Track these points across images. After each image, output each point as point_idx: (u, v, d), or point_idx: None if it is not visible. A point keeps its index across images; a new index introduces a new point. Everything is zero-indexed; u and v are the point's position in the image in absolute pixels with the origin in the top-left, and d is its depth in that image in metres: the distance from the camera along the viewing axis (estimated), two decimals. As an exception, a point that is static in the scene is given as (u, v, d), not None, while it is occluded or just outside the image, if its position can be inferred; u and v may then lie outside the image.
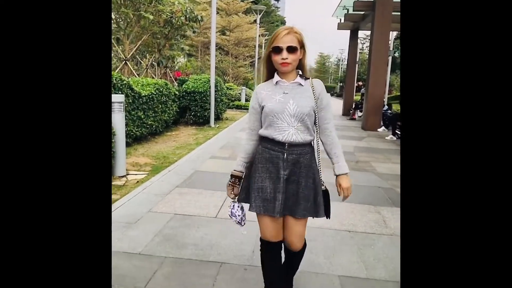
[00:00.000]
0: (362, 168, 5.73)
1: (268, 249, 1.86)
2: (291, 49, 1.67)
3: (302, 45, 1.73)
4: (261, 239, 1.88)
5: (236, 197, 1.91)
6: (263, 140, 1.80)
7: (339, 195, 1.88)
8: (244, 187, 1.88)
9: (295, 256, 1.93)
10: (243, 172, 1.89)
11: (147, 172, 4.99)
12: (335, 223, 3.34)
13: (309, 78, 1.80)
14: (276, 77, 1.77)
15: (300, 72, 1.80)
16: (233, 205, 1.93)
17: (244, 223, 1.93)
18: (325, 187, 1.84)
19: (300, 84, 1.76)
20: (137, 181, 4.53)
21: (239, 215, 1.91)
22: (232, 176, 1.90)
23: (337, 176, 1.86)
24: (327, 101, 1.81)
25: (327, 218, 1.86)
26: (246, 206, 1.86)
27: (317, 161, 1.82)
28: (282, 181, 1.73)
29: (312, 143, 1.82)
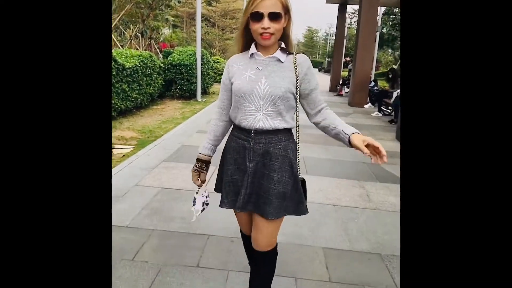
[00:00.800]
0: (348, 143, 5.81)
1: (244, 238, 1.82)
2: (274, 16, 1.34)
3: (287, 11, 1.40)
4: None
5: (203, 185, 1.67)
6: (233, 127, 1.58)
7: (372, 159, 1.32)
8: (218, 179, 1.67)
9: (262, 260, 1.60)
10: (210, 156, 1.65)
11: (133, 146, 4.95)
12: (320, 197, 3.41)
13: (292, 53, 1.48)
14: (252, 48, 1.47)
15: (283, 45, 1.48)
16: (200, 193, 1.69)
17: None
18: (302, 177, 1.57)
19: (279, 60, 1.45)
20: (123, 155, 4.50)
21: (206, 203, 1.72)
22: (198, 160, 1.63)
23: (351, 136, 1.37)
24: (316, 81, 1.51)
25: (298, 214, 1.58)
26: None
27: (296, 151, 1.54)
28: (248, 174, 1.48)
29: (292, 130, 1.54)
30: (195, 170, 1.63)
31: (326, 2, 15.77)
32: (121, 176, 3.70)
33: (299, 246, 2.50)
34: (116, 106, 6.50)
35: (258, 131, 1.44)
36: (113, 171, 3.82)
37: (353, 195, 3.53)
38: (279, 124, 1.44)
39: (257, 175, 1.49)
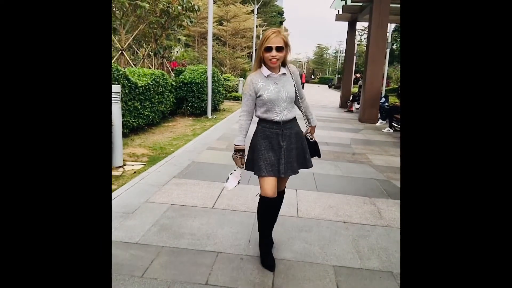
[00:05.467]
0: (358, 160, 5.76)
1: (269, 203, 2.35)
2: (279, 48, 2.17)
3: (286, 45, 2.24)
4: (262, 198, 2.33)
5: (243, 166, 2.42)
6: (262, 121, 2.35)
7: (311, 140, 2.53)
8: (249, 159, 2.39)
9: (283, 193, 2.60)
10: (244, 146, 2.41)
11: (144, 163, 5.00)
12: (330, 213, 3.37)
13: (286, 65, 2.34)
14: (266, 71, 2.27)
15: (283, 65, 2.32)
16: (235, 173, 2.46)
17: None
18: (314, 139, 2.54)
19: (284, 74, 2.31)
20: (134, 172, 4.54)
21: (239, 181, 2.47)
22: (239, 150, 2.39)
23: (311, 126, 2.59)
24: (300, 81, 2.44)
25: (319, 157, 2.60)
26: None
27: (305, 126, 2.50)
28: (283, 150, 2.30)
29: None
30: (239, 158, 2.37)
31: (336, 20, 15.94)
32: (131, 192, 3.73)
33: (309, 264, 2.47)
34: (128, 124, 6.61)
35: (285, 121, 2.31)
36: (124, 187, 3.86)
37: (364, 212, 3.49)
38: (294, 113, 2.38)
39: (288, 149, 2.32)
